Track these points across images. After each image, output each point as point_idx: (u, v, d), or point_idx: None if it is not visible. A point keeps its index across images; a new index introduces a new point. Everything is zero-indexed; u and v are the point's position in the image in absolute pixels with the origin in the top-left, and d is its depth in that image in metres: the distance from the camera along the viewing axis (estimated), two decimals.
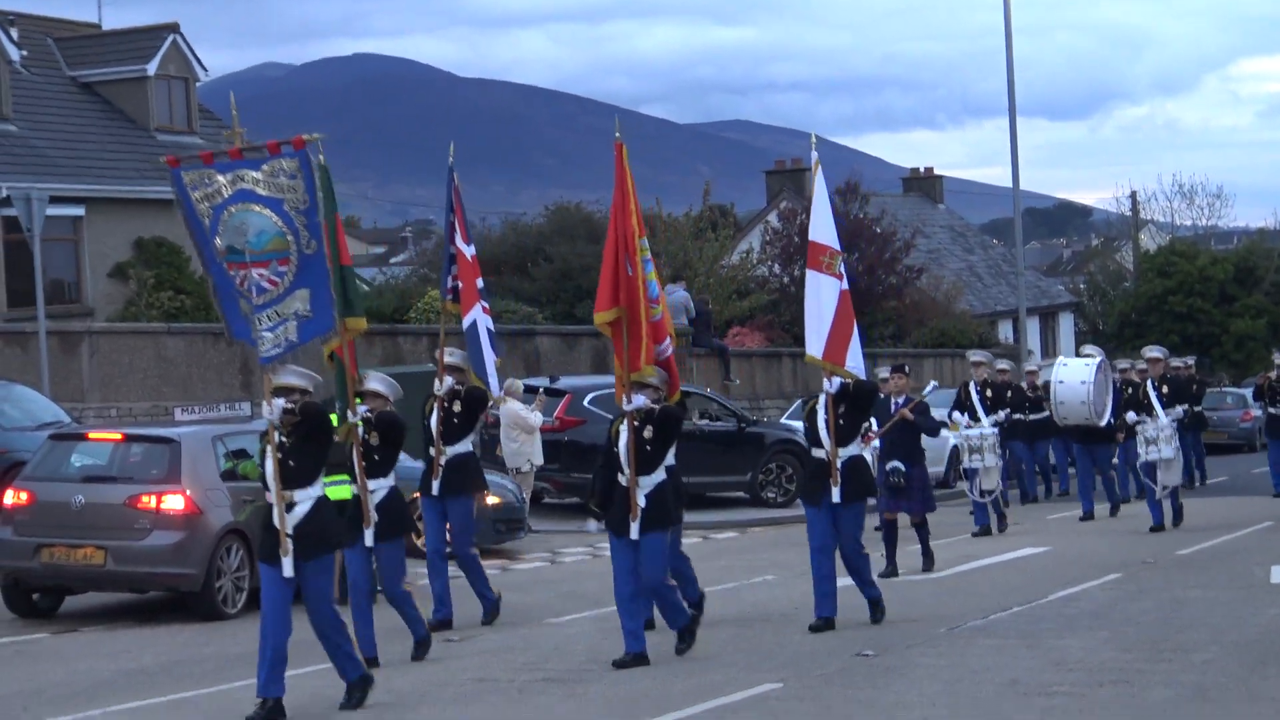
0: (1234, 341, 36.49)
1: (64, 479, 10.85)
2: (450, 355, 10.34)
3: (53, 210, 18.40)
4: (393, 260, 52.17)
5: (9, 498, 10.98)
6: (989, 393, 15.11)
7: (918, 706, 6.57)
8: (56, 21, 27.21)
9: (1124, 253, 46.00)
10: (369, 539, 8.27)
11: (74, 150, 23.99)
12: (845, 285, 9.39)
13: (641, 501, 7.95)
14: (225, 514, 10.86)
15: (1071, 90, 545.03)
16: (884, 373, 14.21)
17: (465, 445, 10.12)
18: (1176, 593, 10.23)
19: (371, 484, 8.34)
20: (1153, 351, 15.78)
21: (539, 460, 14.90)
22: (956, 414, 14.70)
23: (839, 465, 9.05)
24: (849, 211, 27.26)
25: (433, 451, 9.99)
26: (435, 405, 10.09)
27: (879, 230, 28.23)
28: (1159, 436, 14.04)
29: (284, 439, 7.00)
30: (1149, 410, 14.22)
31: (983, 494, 14.39)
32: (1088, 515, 15.34)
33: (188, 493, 10.62)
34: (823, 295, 9.32)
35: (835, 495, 8.96)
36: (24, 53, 23.60)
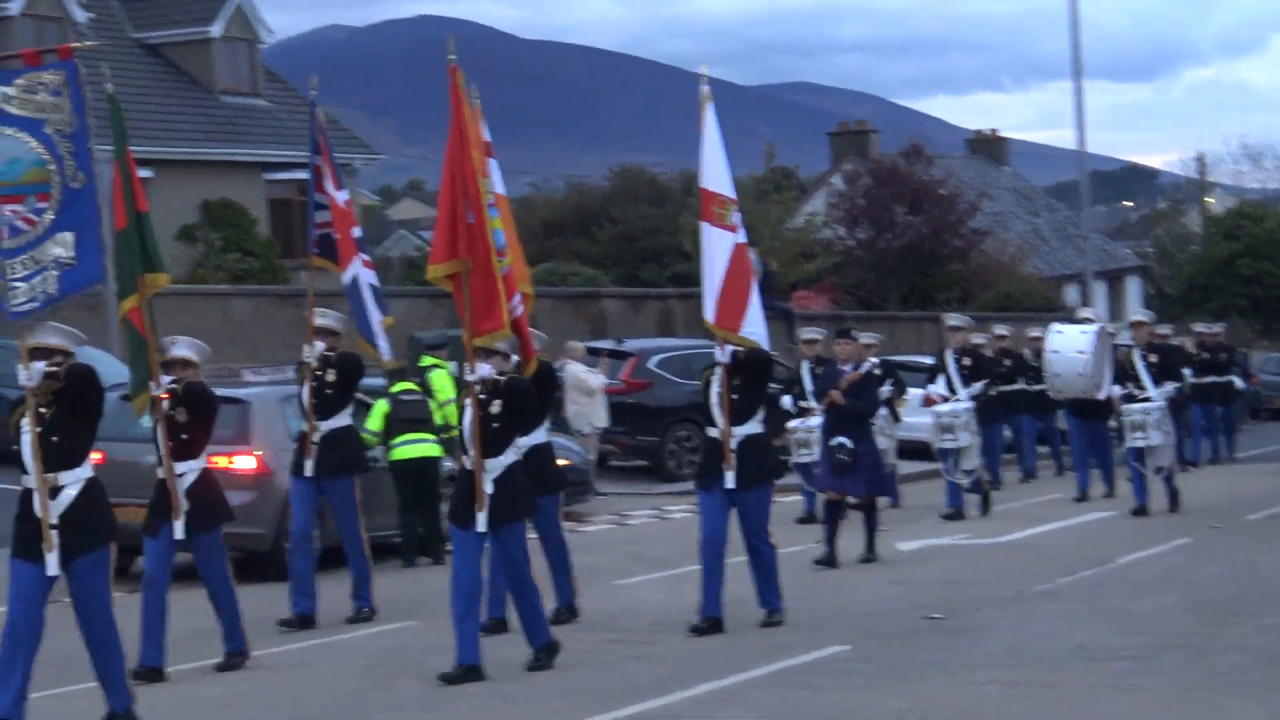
0: None
1: (134, 439, 10.55)
2: (321, 317, 9.12)
3: None
4: None
5: None
6: (966, 361, 13.45)
7: (985, 669, 6.63)
8: None
9: (1191, 216, 45.21)
10: (178, 530, 7.15)
11: (140, 113, 23.96)
12: (741, 238, 8.11)
13: (489, 488, 6.82)
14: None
15: (1138, 51, 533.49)
16: (809, 334, 13.34)
17: (343, 419, 9.01)
18: (1246, 557, 10.13)
19: (180, 466, 7.22)
20: (1137, 315, 14.33)
21: (602, 423, 15.04)
22: (933, 386, 13.46)
23: (734, 445, 7.95)
24: (914, 174, 27.26)
25: (305, 427, 8.89)
26: (306, 374, 8.96)
27: (943, 193, 28.01)
28: (1146, 421, 12.62)
29: (43, 409, 5.76)
30: (1137, 382, 12.86)
31: (964, 474, 12.98)
32: (1082, 495, 13.99)
33: (258, 453, 10.86)
34: (714, 250, 8.05)
35: (729, 480, 7.90)
36: (90, 15, 23.82)
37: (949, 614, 8.07)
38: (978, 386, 13.25)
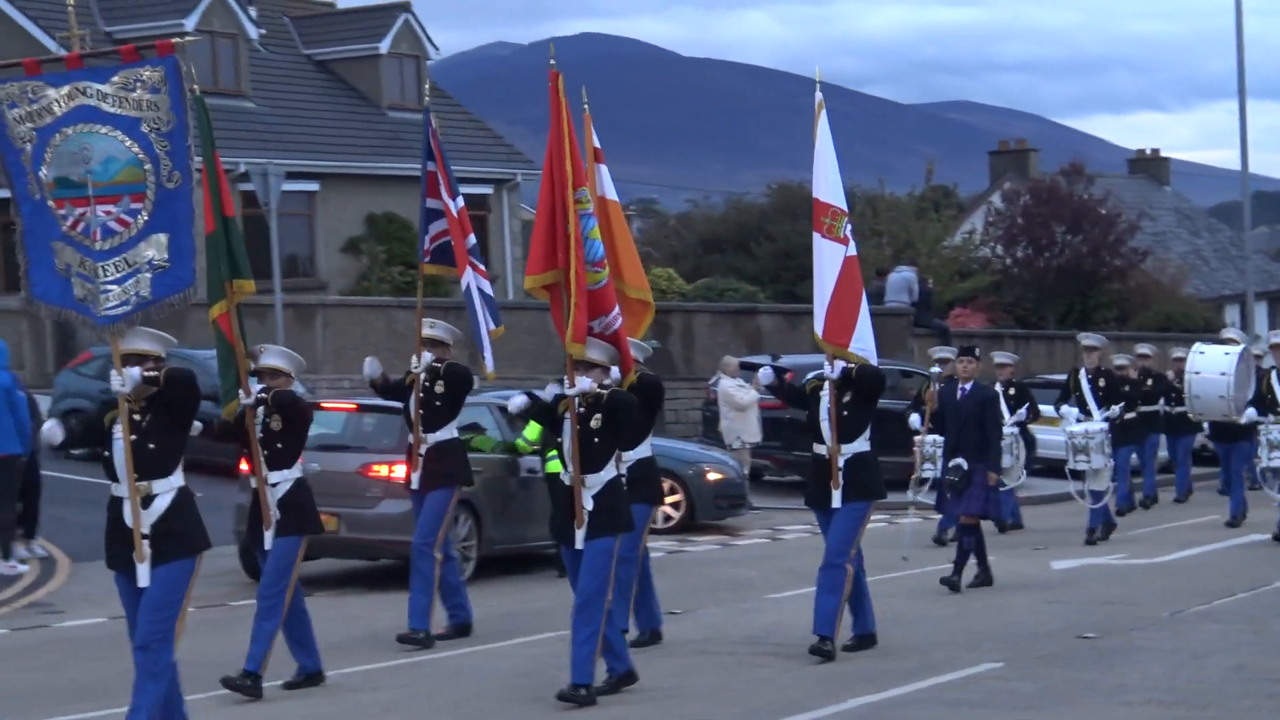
0: None
1: (336, 447, 11.11)
2: (430, 328, 8.90)
3: (288, 186, 19.06)
4: None
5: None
6: (1101, 382, 13.15)
7: (1141, 690, 6.62)
8: (293, 1, 28.14)
9: None
10: (267, 541, 7.03)
11: (308, 127, 24.83)
12: (852, 250, 7.93)
13: (588, 504, 6.71)
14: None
15: None
16: (941, 353, 13.20)
17: (449, 431, 8.78)
18: None
19: (275, 475, 7.07)
20: (1087, 339, 13.69)
21: (753, 438, 15.25)
22: (1065, 407, 13.12)
23: (840, 464, 7.77)
24: (1073, 193, 27.07)
25: (411, 439, 8.74)
26: (413, 385, 8.71)
27: (1104, 212, 27.66)
28: (1088, 445, 12.46)
29: (138, 416, 5.58)
30: (1274, 406, 12.31)
31: (1094, 497, 12.71)
32: (1235, 520, 13.49)
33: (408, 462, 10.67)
34: (825, 263, 7.88)
35: (836, 499, 7.74)
36: (262, 31, 24.68)
37: (1104, 634, 8.05)
38: (1115, 410, 12.95)
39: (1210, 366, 12.85)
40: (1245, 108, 24.26)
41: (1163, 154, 40.27)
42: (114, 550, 5.59)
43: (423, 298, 9.44)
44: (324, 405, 11.88)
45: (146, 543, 5.45)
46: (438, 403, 8.57)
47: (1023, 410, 13.16)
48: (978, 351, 11.12)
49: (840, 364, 7.70)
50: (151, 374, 5.44)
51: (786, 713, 6.42)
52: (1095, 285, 23.97)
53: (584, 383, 6.60)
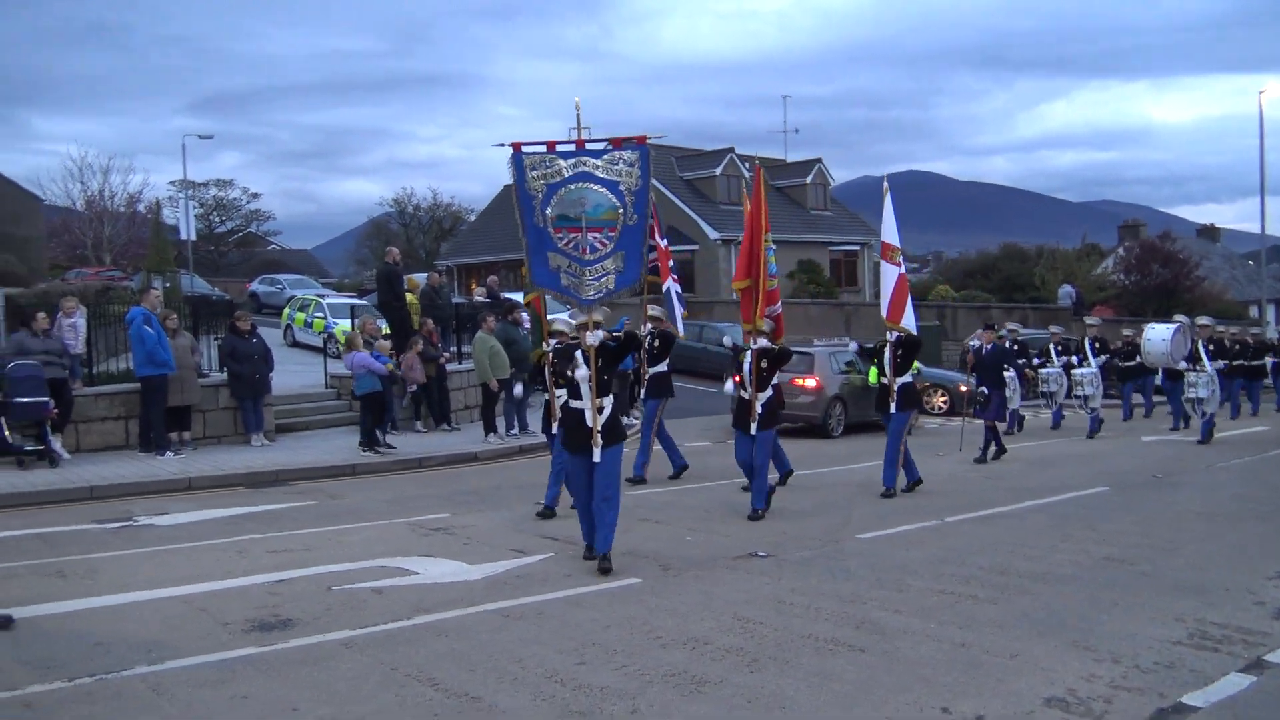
0: None
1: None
2: (653, 309, 14.21)
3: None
4: None
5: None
6: (1211, 347, 18.67)
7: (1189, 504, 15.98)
8: (764, 159, 51.35)
9: None
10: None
11: (775, 218, 47.02)
12: (903, 270, 12.77)
13: (759, 409, 11.32)
14: (835, 388, 20.10)
15: None
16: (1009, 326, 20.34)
17: (662, 367, 13.87)
18: None
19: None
20: (1203, 320, 19.74)
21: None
22: (1183, 363, 18.47)
23: (895, 389, 12.87)
24: (1164, 247, 44.89)
25: (641, 370, 14.09)
26: (643, 342, 13.44)
27: (1181, 257, 43.42)
28: (1198, 381, 18.31)
29: (597, 359, 8.92)
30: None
31: (1204, 412, 18.30)
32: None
33: (817, 377, 19.93)
34: (887, 278, 12.91)
35: (893, 408, 12.91)
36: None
37: (1165, 473, 17.92)
38: (1220, 364, 19.04)
39: (1157, 336, 19.04)
40: (1265, 189, 43.86)
41: (1216, 225, 63.98)
42: (576, 440, 8.94)
43: (646, 294, 13.84)
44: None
45: (600, 435, 8.84)
46: (654, 351, 13.84)
47: (1103, 356, 21.07)
48: (995, 326, 17.43)
49: (895, 333, 12.88)
50: (614, 336, 9.10)
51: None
52: (1175, 295, 44.03)
53: (762, 341, 11.53)
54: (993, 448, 16.36)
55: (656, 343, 13.92)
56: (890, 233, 13.12)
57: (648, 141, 9.16)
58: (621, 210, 9.02)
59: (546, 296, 10.07)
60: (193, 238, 36.03)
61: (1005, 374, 17.68)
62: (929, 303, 41.70)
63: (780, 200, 49.22)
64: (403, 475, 15.11)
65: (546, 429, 11.44)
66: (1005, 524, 11.17)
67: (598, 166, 9.08)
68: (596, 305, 9.13)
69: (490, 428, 17.61)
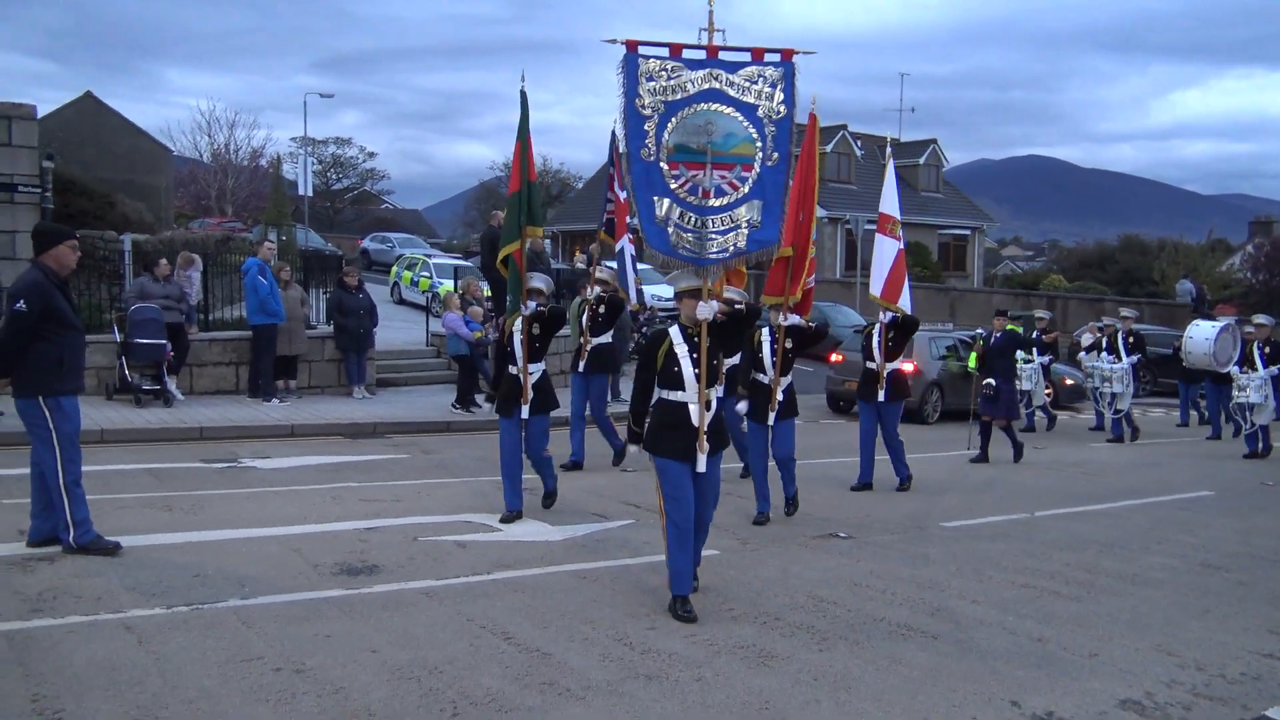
0: None
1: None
2: (601, 270, 12.36)
3: (867, 226, 43.97)
4: None
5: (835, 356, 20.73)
6: (1267, 350, 16.52)
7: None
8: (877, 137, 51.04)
9: None
10: (524, 412, 9.07)
11: (876, 198, 46.02)
12: (902, 245, 11.30)
13: (779, 397, 9.70)
14: (933, 373, 19.68)
15: None
16: (1039, 314, 19.45)
17: (606, 337, 12.15)
18: None
19: (532, 367, 9.15)
20: (1259, 318, 17.21)
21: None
22: (1232, 367, 16.86)
23: (885, 374, 11.57)
24: None
25: (581, 340, 12.06)
26: (586, 307, 12.10)
27: None
28: (1248, 384, 16.38)
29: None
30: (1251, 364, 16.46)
31: (1253, 422, 16.47)
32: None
33: (915, 363, 19.03)
34: (885, 252, 11.38)
35: (881, 395, 11.52)
36: (862, 151, 47.72)
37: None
38: (1275, 370, 16.58)
39: (1200, 334, 17.43)
40: None
41: None
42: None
43: (597, 256, 12.64)
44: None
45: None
46: (599, 319, 12.05)
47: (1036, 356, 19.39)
48: (1007, 312, 15.41)
49: (890, 314, 11.54)
50: (734, 306, 7.30)
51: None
52: None
53: (794, 317, 9.84)
54: (1011, 448, 15.05)
55: (603, 309, 12.16)
56: (890, 203, 11.67)
57: (795, 58, 6.92)
58: (760, 145, 6.82)
59: (535, 249, 8.64)
60: (310, 193, 36.98)
61: (1026, 365, 17.42)
62: (1038, 292, 40.76)
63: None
64: (494, 435, 15.29)
65: (499, 403, 9.42)
66: (1099, 522, 10.92)
67: (732, 83, 6.85)
68: (720, 267, 6.89)
69: None
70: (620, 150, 7.15)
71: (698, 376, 6.85)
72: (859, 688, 5.91)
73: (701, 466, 6.86)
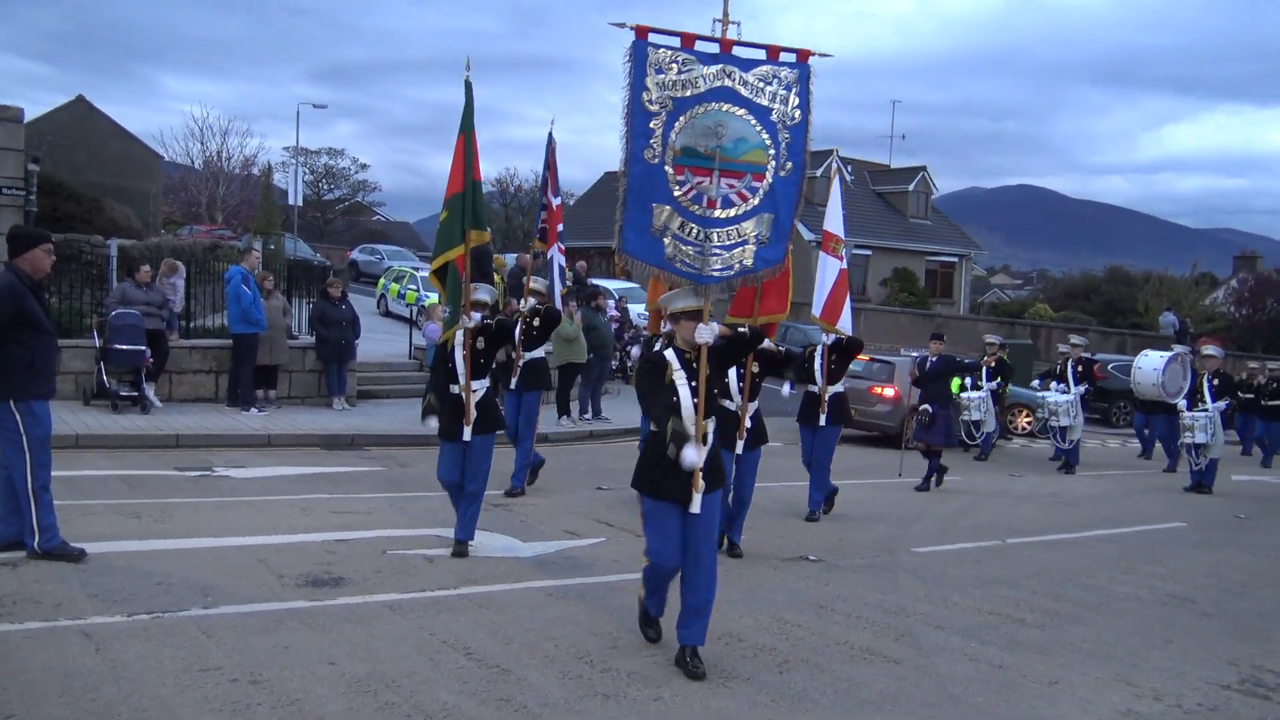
0: None
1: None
2: (535, 282, 11.81)
3: (857, 251, 43.78)
4: None
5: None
6: (1215, 381, 15.96)
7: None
8: (867, 162, 51.80)
9: None
10: (466, 434, 8.39)
11: (869, 223, 48.07)
12: (844, 265, 10.76)
13: (748, 424, 9.17)
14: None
15: None
16: (989, 338, 18.71)
17: (539, 352, 11.70)
18: None
19: (475, 384, 8.52)
20: (1207, 349, 16.48)
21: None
22: (1180, 401, 16.30)
23: (827, 398, 11.21)
24: (1277, 281, 45.37)
25: (514, 355, 11.54)
26: (520, 319, 11.58)
27: None
28: (1194, 424, 15.80)
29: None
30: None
31: (1199, 459, 15.81)
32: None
33: (895, 388, 18.93)
34: (826, 272, 10.82)
35: (822, 420, 11.24)
36: (852, 178, 48.22)
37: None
38: (1223, 404, 16.07)
39: (1149, 364, 17.01)
40: None
41: None
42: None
43: (531, 265, 12.36)
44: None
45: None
46: (534, 332, 11.56)
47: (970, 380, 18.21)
48: (944, 337, 14.83)
49: (832, 336, 11.13)
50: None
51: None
52: None
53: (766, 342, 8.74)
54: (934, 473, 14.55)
55: (536, 322, 11.57)
56: (835, 222, 10.95)
57: (810, 60, 6.31)
58: (773, 153, 6.16)
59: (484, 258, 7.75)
60: (300, 203, 37.01)
61: (973, 394, 17.28)
62: (1023, 321, 40.96)
63: (879, 206, 48.63)
64: None
65: (442, 426, 8.68)
66: (1070, 551, 10.96)
67: (745, 82, 6.14)
68: (723, 285, 6.24)
69: (564, 410, 17.79)
70: (624, 144, 5.98)
71: (696, 407, 6.14)
72: (815, 710, 5.92)
73: (696, 507, 6.15)
